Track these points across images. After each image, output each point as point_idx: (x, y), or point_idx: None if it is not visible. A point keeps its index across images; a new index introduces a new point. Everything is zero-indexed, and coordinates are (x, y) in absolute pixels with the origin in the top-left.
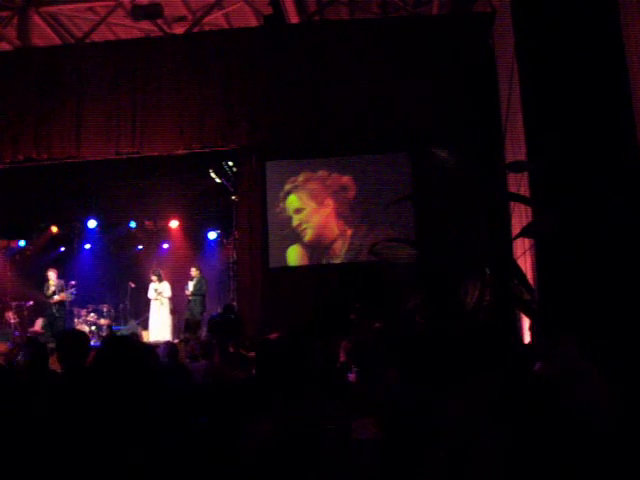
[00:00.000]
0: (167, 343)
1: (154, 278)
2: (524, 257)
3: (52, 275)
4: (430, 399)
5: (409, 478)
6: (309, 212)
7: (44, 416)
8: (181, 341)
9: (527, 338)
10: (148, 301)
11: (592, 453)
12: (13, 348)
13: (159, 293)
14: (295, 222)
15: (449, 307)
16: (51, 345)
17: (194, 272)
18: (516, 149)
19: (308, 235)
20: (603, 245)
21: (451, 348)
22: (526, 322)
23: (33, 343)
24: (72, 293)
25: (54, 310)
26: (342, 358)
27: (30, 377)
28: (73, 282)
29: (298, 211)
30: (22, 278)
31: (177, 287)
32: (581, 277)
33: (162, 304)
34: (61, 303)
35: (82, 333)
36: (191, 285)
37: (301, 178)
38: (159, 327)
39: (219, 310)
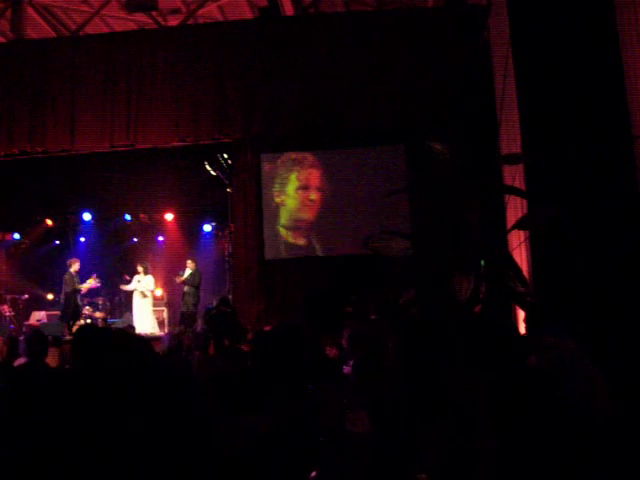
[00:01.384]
0: (170, 334)
1: (140, 269)
2: (519, 249)
3: (76, 266)
4: (426, 393)
5: (402, 471)
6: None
7: (42, 411)
8: (176, 334)
9: (522, 330)
10: None
11: (588, 447)
12: (6, 341)
13: (142, 288)
14: None
15: (444, 300)
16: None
17: (189, 264)
18: (511, 142)
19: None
20: (598, 237)
21: (446, 341)
22: (521, 315)
23: (37, 336)
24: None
25: (78, 300)
26: (346, 346)
27: (31, 372)
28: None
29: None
30: (17, 271)
31: (172, 279)
32: (576, 270)
33: (143, 297)
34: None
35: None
36: (186, 273)
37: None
38: (139, 320)
39: (215, 303)
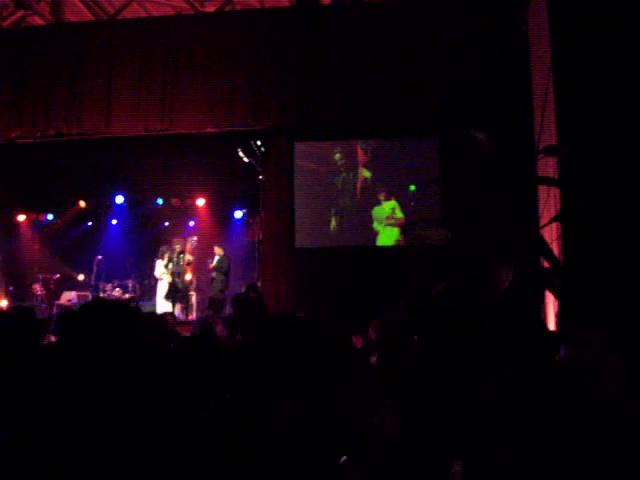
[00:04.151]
0: (201, 319)
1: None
2: (551, 246)
3: (179, 247)
4: (455, 383)
5: (434, 460)
6: None
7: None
8: (205, 318)
9: (552, 325)
10: None
11: (616, 445)
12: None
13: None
14: None
15: (478, 291)
16: None
17: (217, 250)
18: (545, 133)
19: None
20: (634, 229)
21: (478, 332)
22: (551, 309)
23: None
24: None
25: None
26: (372, 337)
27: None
28: (99, 257)
29: None
30: (49, 251)
31: (203, 264)
32: (611, 262)
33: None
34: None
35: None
36: (215, 260)
37: None
38: (165, 305)
39: (243, 289)
